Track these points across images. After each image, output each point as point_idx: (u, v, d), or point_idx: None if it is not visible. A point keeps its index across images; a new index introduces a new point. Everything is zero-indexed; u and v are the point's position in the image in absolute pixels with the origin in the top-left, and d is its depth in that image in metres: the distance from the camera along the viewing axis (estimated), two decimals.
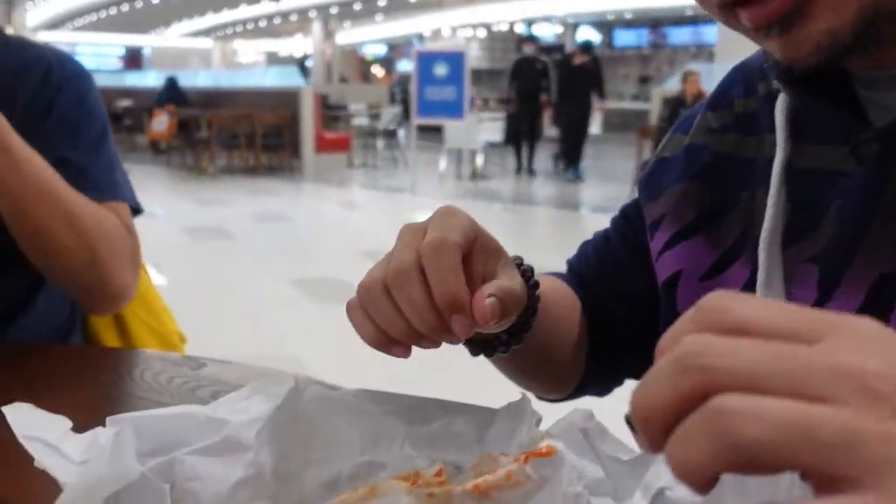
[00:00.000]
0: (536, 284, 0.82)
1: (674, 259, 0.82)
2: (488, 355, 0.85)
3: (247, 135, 12.35)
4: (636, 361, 0.94)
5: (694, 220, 0.81)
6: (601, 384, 0.99)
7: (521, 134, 11.80)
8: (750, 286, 0.74)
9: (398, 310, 0.66)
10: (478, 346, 0.85)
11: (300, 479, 0.70)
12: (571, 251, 1.03)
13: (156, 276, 1.48)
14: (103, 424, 0.63)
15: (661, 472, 0.59)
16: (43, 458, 0.60)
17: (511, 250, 0.79)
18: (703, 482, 0.31)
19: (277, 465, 0.69)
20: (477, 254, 0.71)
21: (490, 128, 11.48)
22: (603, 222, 1.01)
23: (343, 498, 0.67)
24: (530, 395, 0.73)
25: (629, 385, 1.05)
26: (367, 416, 0.75)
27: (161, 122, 12.81)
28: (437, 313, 0.64)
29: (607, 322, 0.95)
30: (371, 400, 0.76)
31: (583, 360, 0.96)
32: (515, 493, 0.62)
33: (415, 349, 0.69)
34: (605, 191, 9.91)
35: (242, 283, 5.65)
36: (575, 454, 0.62)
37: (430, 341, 0.68)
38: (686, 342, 0.33)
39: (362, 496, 0.66)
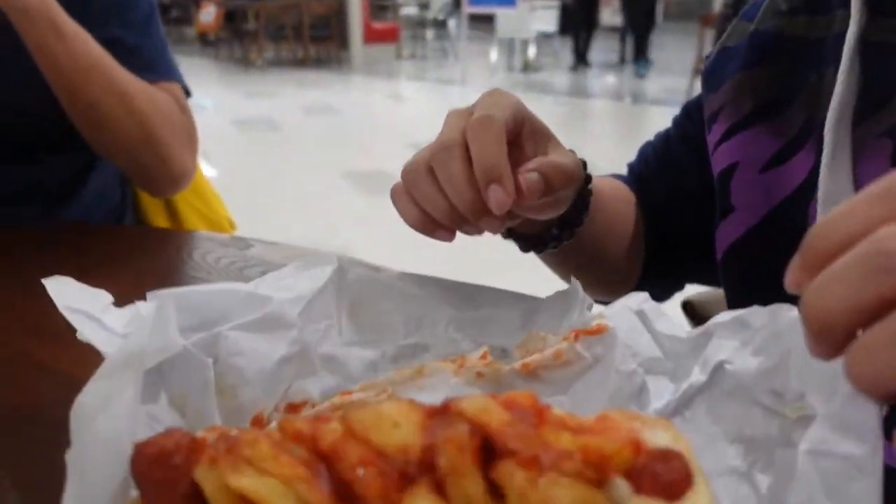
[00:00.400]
0: (589, 178, 0.80)
1: (730, 150, 0.79)
2: (538, 251, 0.83)
3: (294, 26, 12.19)
4: (697, 265, 0.91)
5: (753, 109, 0.77)
6: (660, 288, 0.96)
7: (576, 23, 11.34)
8: (814, 174, 0.69)
9: (440, 189, 0.64)
10: (528, 241, 0.82)
11: (344, 359, 0.69)
12: (627, 146, 0.99)
13: (205, 168, 1.49)
14: (146, 300, 0.63)
15: (721, 346, 0.56)
16: (85, 330, 0.60)
17: (564, 145, 0.75)
18: (892, 397, 0.28)
19: (321, 345, 0.68)
20: (526, 136, 0.69)
21: (543, 17, 11.06)
22: (659, 115, 0.96)
23: (390, 377, 0.66)
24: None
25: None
26: (411, 298, 0.73)
27: (208, 14, 12.69)
28: (476, 189, 0.62)
29: (666, 223, 0.92)
30: (415, 283, 0.74)
31: (640, 262, 0.93)
32: (565, 372, 0.60)
33: (466, 243, 0.67)
34: (662, 83, 9.56)
35: (291, 175, 5.68)
36: (629, 333, 0.59)
37: (471, 225, 0.66)
38: (879, 237, 0.28)
39: (410, 376, 0.64)
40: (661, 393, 0.59)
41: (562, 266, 0.91)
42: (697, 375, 0.58)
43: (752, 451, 0.55)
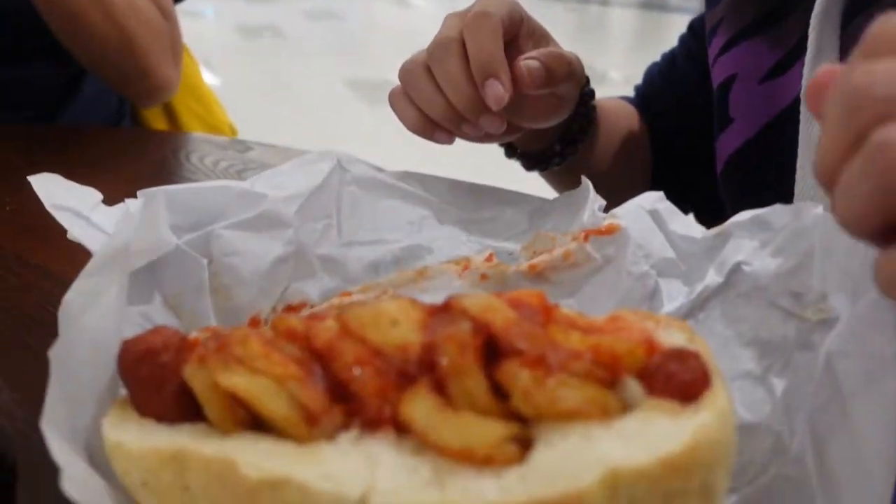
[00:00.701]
0: (592, 93, 0.78)
1: (729, 62, 0.78)
2: (542, 169, 0.83)
3: None
4: (702, 180, 0.89)
5: (752, 21, 0.76)
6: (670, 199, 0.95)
7: None
8: None
9: (438, 88, 0.63)
10: (530, 159, 0.82)
11: (343, 260, 0.66)
12: (641, 57, 0.96)
13: (207, 77, 1.44)
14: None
15: (739, 246, 0.53)
16: (73, 229, 0.57)
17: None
18: (869, 233, 0.26)
19: (319, 245, 0.65)
20: (524, 37, 0.67)
21: None
22: (675, 25, 0.93)
23: (391, 279, 0.63)
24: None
25: None
26: (414, 198, 0.70)
27: None
28: (473, 85, 0.61)
29: (671, 140, 0.92)
30: (418, 183, 0.70)
31: (646, 180, 0.93)
32: (574, 273, 0.57)
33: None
34: None
35: (295, 83, 5.55)
36: (641, 234, 0.56)
37: (471, 125, 0.65)
38: (855, 76, 0.26)
39: (411, 278, 0.62)
40: (675, 295, 0.56)
41: (566, 186, 0.90)
42: (713, 277, 0.55)
43: (767, 354, 0.52)
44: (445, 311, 0.39)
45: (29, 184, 0.58)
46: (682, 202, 0.99)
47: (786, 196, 0.54)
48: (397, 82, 0.68)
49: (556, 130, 0.78)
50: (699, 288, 0.55)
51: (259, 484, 0.35)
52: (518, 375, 0.34)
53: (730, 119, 0.77)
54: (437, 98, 0.63)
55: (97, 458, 0.42)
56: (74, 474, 0.36)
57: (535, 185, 0.86)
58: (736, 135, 0.77)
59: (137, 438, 0.39)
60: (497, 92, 0.60)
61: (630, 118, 0.92)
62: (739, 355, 0.53)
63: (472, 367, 0.35)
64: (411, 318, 0.39)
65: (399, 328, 0.38)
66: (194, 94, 1.51)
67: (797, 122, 0.68)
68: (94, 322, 0.44)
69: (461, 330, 0.36)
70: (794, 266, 0.52)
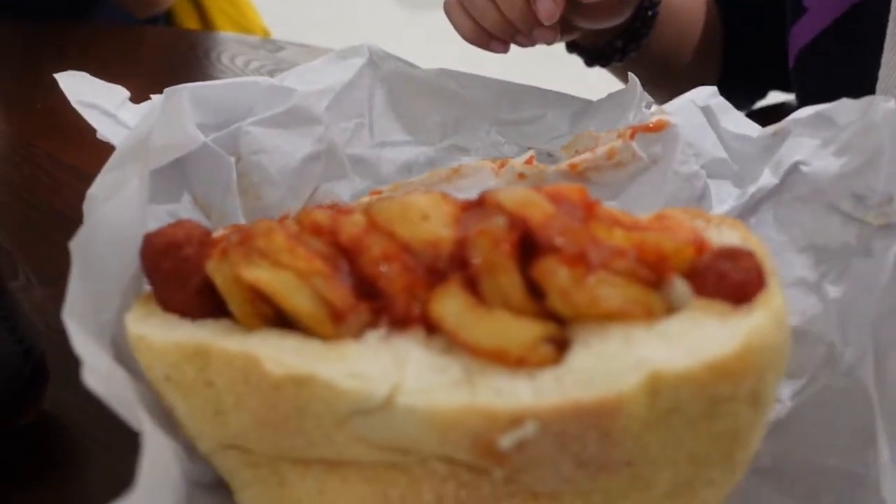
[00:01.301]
0: None
1: None
2: (603, 65, 0.79)
3: None
4: (776, 71, 0.84)
5: None
6: (740, 97, 0.89)
7: None
8: None
9: (492, 1, 0.63)
10: (591, 54, 0.79)
11: (375, 161, 0.64)
12: None
13: None
14: None
15: (798, 145, 0.50)
16: (100, 126, 0.55)
17: None
18: None
19: (351, 144, 0.63)
20: None
21: None
22: None
23: (423, 178, 0.61)
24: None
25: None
26: (451, 97, 0.66)
27: None
28: (526, 0, 0.61)
29: (743, 33, 0.86)
30: (456, 81, 0.67)
31: (716, 72, 0.88)
32: (618, 174, 0.54)
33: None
34: None
35: None
36: (692, 131, 0.53)
37: (525, 36, 0.65)
38: None
39: (445, 176, 0.59)
40: (725, 198, 0.53)
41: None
42: (768, 178, 0.51)
43: (823, 261, 0.49)
44: (479, 205, 0.36)
45: (57, 82, 0.56)
46: (755, 87, 0.95)
47: (864, 93, 0.49)
48: None
49: (619, 26, 0.74)
50: (752, 190, 0.51)
51: (283, 381, 0.33)
52: (556, 273, 0.32)
53: (803, 9, 0.72)
54: (492, 12, 0.64)
55: (123, 353, 0.41)
56: (96, 366, 0.35)
57: (580, 87, 0.82)
58: (809, 26, 0.72)
59: (160, 332, 0.38)
60: (548, 7, 0.60)
61: (698, 11, 0.86)
62: (792, 262, 0.50)
63: (507, 264, 0.33)
64: (443, 213, 0.36)
65: (429, 223, 0.36)
66: None
67: (878, 11, 0.63)
68: (115, 213, 0.43)
69: (495, 224, 0.33)
70: (859, 166, 0.48)
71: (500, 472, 0.32)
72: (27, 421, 0.48)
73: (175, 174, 0.56)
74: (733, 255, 0.32)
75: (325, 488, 0.37)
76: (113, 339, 0.43)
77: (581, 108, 0.66)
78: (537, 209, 0.34)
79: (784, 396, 0.45)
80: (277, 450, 0.37)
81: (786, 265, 0.49)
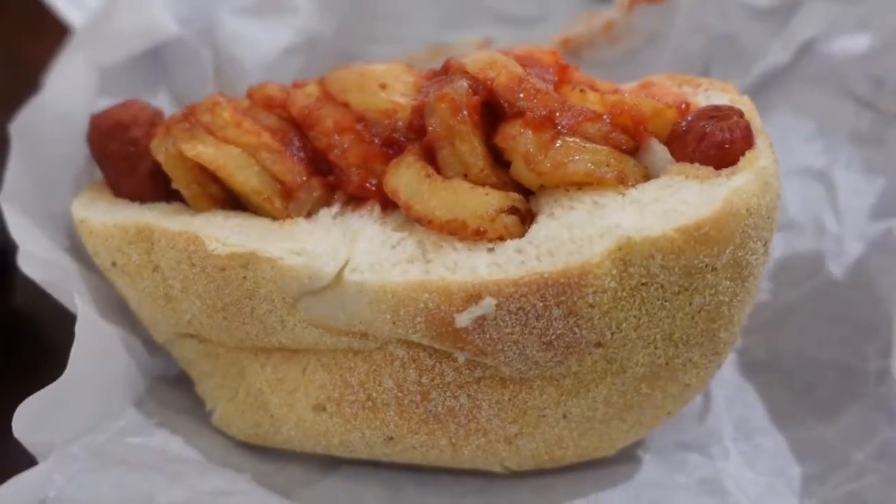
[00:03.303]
0: None
1: None
2: None
3: None
4: None
5: None
6: None
7: None
8: None
9: None
10: None
11: (363, 56, 0.60)
12: None
13: None
14: None
15: (813, 18, 0.45)
16: (68, 16, 0.52)
17: None
18: None
19: (334, 38, 0.59)
20: None
21: None
22: None
23: (406, 59, 0.57)
24: None
25: None
26: None
27: None
28: None
29: None
30: None
31: None
32: (612, 51, 0.49)
33: None
34: None
35: None
36: (695, 3, 0.48)
37: None
38: None
39: (424, 56, 0.56)
40: (730, 77, 0.48)
41: None
42: (778, 55, 0.47)
43: (832, 148, 0.45)
44: (444, 72, 0.33)
45: None
46: None
47: None
48: None
49: None
50: (759, 69, 0.47)
51: (228, 261, 0.31)
52: (520, 137, 0.29)
53: None
54: None
55: (79, 245, 0.39)
56: (32, 251, 0.33)
57: None
58: None
59: (103, 215, 0.35)
60: None
61: None
62: (799, 149, 0.46)
63: (466, 130, 0.30)
64: (402, 82, 0.33)
65: (387, 91, 0.33)
66: None
67: None
68: (62, 98, 0.40)
69: (456, 88, 0.30)
70: (881, 44, 0.44)
71: (462, 355, 0.30)
72: None
73: (150, 68, 0.53)
74: (716, 113, 0.29)
75: (285, 377, 0.35)
76: (69, 231, 0.41)
77: (585, 6, 0.61)
78: (503, 71, 0.31)
79: (781, 288, 0.42)
80: (233, 338, 0.34)
81: (792, 152, 0.46)
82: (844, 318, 0.39)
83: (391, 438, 0.34)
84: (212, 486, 0.34)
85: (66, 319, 0.46)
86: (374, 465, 0.38)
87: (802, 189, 0.45)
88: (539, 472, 0.37)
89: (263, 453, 0.37)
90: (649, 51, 0.49)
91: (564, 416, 0.33)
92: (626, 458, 0.38)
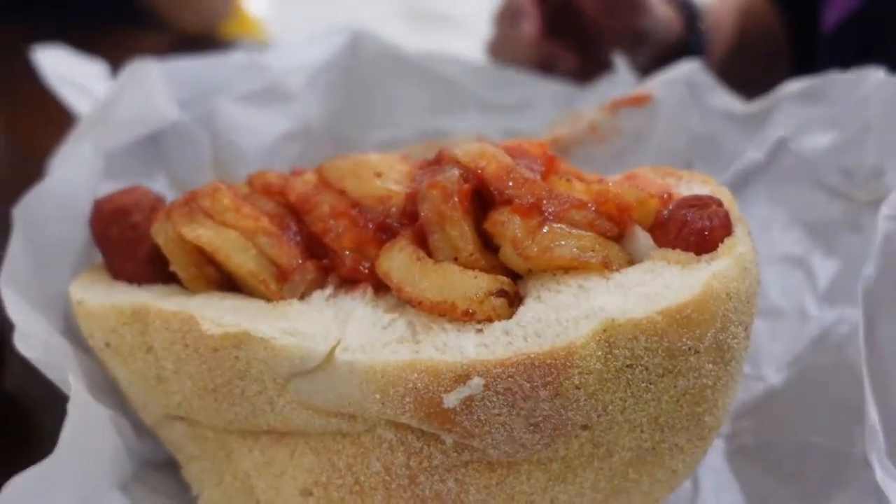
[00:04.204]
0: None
1: None
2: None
3: None
4: None
5: None
6: None
7: None
8: None
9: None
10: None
11: (355, 142, 0.62)
12: None
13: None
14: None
15: (786, 121, 0.47)
16: (76, 103, 0.54)
17: None
18: None
19: (330, 125, 0.61)
20: None
21: None
22: None
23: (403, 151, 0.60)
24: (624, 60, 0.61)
25: None
26: (434, 79, 0.65)
27: None
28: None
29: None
30: (439, 62, 0.65)
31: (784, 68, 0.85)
32: (600, 150, 0.52)
33: None
34: None
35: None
36: (676, 106, 0.50)
37: (557, 67, 0.68)
38: None
39: (423, 148, 0.57)
40: (711, 174, 0.50)
41: None
42: (754, 154, 0.49)
43: (810, 236, 0.47)
44: (437, 162, 0.34)
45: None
46: None
47: None
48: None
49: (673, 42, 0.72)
50: (738, 165, 0.49)
51: (221, 341, 0.32)
52: (508, 223, 0.30)
53: None
54: (519, 54, 0.69)
55: (74, 328, 0.40)
56: (29, 332, 0.33)
57: None
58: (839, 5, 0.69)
59: (100, 296, 0.36)
60: (525, 31, 0.65)
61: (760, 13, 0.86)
62: (779, 239, 0.48)
63: (457, 216, 0.31)
64: (397, 171, 0.35)
65: (382, 179, 0.34)
66: None
67: None
68: (65, 183, 0.41)
69: (447, 176, 0.32)
70: (848, 140, 0.46)
71: (450, 437, 0.30)
72: None
73: (150, 153, 0.54)
74: (697, 202, 0.30)
75: (273, 460, 0.35)
76: (65, 314, 0.42)
77: (570, 92, 0.64)
78: (493, 161, 0.32)
79: (764, 374, 0.43)
80: (222, 420, 0.35)
81: (772, 242, 0.47)
82: (833, 402, 0.40)
83: None
84: None
85: (55, 403, 0.46)
86: None
87: (783, 276, 0.46)
88: None
89: None
90: (635, 148, 0.51)
91: (552, 503, 0.33)
92: None
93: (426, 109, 0.65)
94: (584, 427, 0.29)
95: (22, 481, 0.30)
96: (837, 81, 0.48)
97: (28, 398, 0.49)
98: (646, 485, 0.32)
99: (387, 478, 0.32)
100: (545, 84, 0.65)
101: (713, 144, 0.51)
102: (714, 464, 0.40)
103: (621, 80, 0.59)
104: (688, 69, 0.53)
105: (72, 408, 0.31)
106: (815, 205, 0.47)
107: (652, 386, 0.28)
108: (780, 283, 0.45)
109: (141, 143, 0.52)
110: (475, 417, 0.29)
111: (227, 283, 0.35)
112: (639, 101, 0.51)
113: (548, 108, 0.64)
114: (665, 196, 0.32)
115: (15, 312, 0.34)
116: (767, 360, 0.43)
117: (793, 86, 0.50)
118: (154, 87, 0.53)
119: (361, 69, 0.63)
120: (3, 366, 0.48)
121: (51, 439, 0.45)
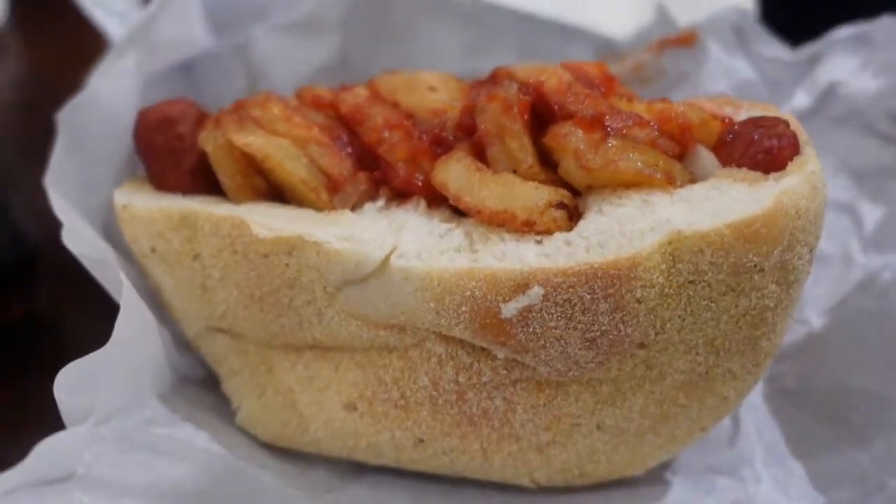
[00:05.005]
0: None
1: None
2: None
3: None
4: None
5: None
6: None
7: None
8: None
9: None
10: None
11: None
12: None
13: None
14: None
15: (834, 67, 0.47)
16: (108, 27, 0.53)
17: None
18: None
19: (368, 59, 0.60)
20: None
21: None
22: None
23: None
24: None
25: None
26: (476, 20, 0.64)
27: None
28: None
29: None
30: (483, 3, 0.64)
31: None
32: (644, 90, 0.51)
33: None
34: None
35: None
36: (723, 50, 0.49)
37: None
38: None
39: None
40: None
41: None
42: (801, 99, 0.48)
43: (857, 182, 0.46)
44: (491, 80, 0.33)
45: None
46: None
47: None
48: None
49: None
50: (784, 111, 0.48)
51: (273, 246, 0.31)
52: (571, 136, 0.29)
53: None
54: None
55: (115, 240, 0.39)
56: (75, 230, 0.33)
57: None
58: None
59: (147, 201, 0.36)
60: None
61: None
62: (826, 184, 0.47)
63: (517, 128, 0.30)
64: (450, 87, 0.34)
65: (436, 93, 0.33)
66: None
67: None
68: (108, 93, 0.40)
69: (506, 89, 0.31)
70: None
71: (503, 351, 0.30)
72: (16, 316, 0.46)
73: (183, 82, 0.53)
74: (764, 122, 0.30)
75: (317, 374, 0.34)
76: (104, 226, 0.41)
77: (607, 41, 0.63)
78: (553, 76, 0.31)
79: (807, 317, 0.42)
80: (266, 333, 0.34)
81: None
82: (877, 347, 0.39)
83: (422, 441, 0.33)
84: (237, 481, 0.33)
85: (86, 326, 0.46)
86: (399, 474, 0.37)
87: (829, 222, 0.45)
88: (566, 490, 0.36)
89: (288, 455, 0.37)
90: (677, 91, 0.50)
91: (598, 427, 0.33)
92: (655, 479, 0.37)
93: (467, 49, 0.64)
94: (641, 345, 0.29)
95: (78, 366, 0.29)
96: (887, 27, 0.47)
97: (60, 321, 0.49)
98: (695, 411, 0.32)
99: (434, 393, 0.32)
100: (582, 32, 0.64)
101: (759, 90, 0.50)
102: (755, 403, 0.40)
103: (657, 27, 0.58)
104: (735, 13, 0.52)
105: (124, 305, 0.30)
106: (863, 151, 0.47)
107: (713, 304, 0.28)
108: (826, 229, 0.44)
109: (174, 72, 0.51)
110: (531, 330, 0.28)
111: (274, 194, 0.35)
112: (686, 41, 0.50)
113: (588, 56, 0.63)
114: (727, 120, 0.31)
115: (61, 210, 0.34)
116: (811, 304, 0.42)
117: (842, 31, 0.48)
118: (192, 10, 0.52)
119: (402, 4, 0.62)
120: (34, 289, 0.48)
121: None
